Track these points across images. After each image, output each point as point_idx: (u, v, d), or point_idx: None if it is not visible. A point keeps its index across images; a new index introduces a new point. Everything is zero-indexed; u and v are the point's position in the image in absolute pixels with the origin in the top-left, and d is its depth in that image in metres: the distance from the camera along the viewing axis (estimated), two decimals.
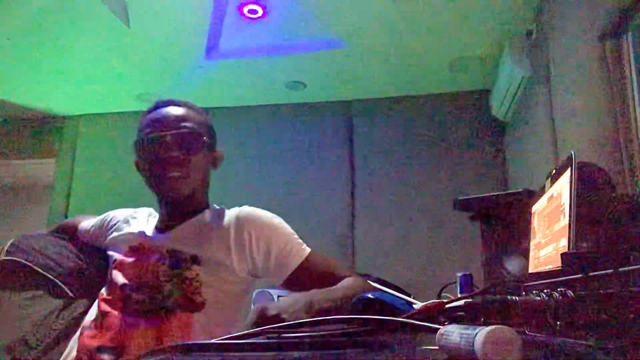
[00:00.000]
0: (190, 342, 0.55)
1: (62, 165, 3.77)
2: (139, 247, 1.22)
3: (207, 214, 1.25)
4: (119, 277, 1.17)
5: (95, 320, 1.15)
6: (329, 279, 1.15)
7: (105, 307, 1.14)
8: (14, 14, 2.61)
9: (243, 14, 2.74)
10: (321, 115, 3.63)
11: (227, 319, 1.16)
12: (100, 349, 1.07)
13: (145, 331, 1.08)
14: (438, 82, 3.33)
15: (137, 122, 1.28)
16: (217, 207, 1.29)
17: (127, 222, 1.33)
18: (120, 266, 1.20)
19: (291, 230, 1.22)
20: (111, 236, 1.32)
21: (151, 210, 1.38)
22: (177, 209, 1.24)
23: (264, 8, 2.68)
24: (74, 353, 1.12)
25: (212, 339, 0.59)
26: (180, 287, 1.12)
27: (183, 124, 1.21)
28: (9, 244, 1.25)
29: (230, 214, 1.23)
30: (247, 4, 2.64)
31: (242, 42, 2.98)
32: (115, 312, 1.12)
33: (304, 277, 1.16)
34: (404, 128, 3.50)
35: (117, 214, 1.38)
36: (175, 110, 1.24)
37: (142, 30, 2.72)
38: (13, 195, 4.49)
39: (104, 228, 1.36)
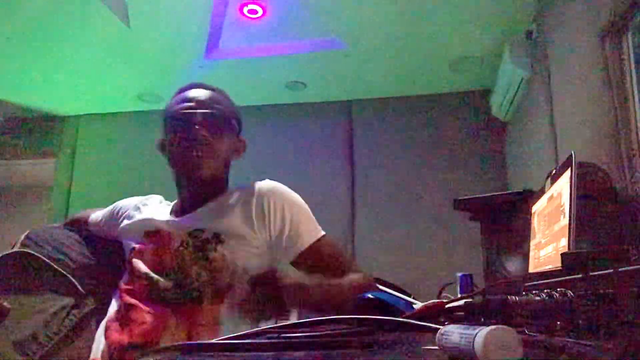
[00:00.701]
0: (190, 342, 0.55)
1: (62, 165, 3.77)
2: (157, 232, 1.19)
3: (227, 194, 1.24)
4: (140, 265, 1.14)
5: (119, 312, 1.11)
6: (337, 267, 1.16)
7: (129, 299, 1.11)
8: (14, 14, 2.61)
9: (243, 14, 2.74)
10: (321, 115, 3.63)
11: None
12: (130, 345, 1.04)
13: (176, 322, 1.05)
14: (438, 82, 3.33)
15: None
16: (235, 187, 1.27)
17: (137, 209, 1.31)
18: (140, 254, 1.17)
19: (309, 211, 1.22)
20: (123, 224, 1.29)
21: (161, 197, 1.37)
22: (198, 191, 1.22)
23: (264, 8, 2.68)
24: (102, 347, 1.08)
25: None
26: (207, 269, 1.10)
27: (214, 105, 1.22)
28: (24, 236, 1.23)
29: (252, 186, 1.22)
30: (247, 4, 2.64)
31: (242, 42, 2.98)
32: (141, 305, 1.09)
33: (313, 259, 1.15)
34: (404, 128, 3.50)
35: (126, 203, 1.35)
36: (207, 92, 1.25)
37: (142, 30, 2.72)
38: (13, 195, 4.49)
39: (115, 217, 1.34)
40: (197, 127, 1.16)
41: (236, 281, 1.10)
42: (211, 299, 1.08)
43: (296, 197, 1.23)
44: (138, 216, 1.28)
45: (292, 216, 1.17)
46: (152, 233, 1.19)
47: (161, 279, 1.10)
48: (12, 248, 1.20)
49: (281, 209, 1.17)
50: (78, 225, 1.39)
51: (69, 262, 1.24)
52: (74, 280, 1.21)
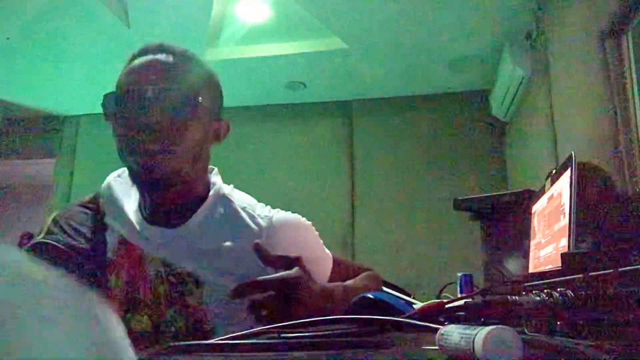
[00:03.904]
0: (190, 342, 0.54)
1: (62, 165, 3.78)
2: (132, 248, 0.95)
3: (214, 214, 0.95)
4: (116, 291, 0.93)
5: None
6: (347, 279, 1.02)
7: None
8: (14, 14, 2.61)
9: (243, 14, 2.74)
10: (321, 115, 3.63)
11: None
12: None
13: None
14: (438, 82, 3.33)
15: None
16: (226, 200, 0.98)
17: (125, 196, 1.02)
18: (117, 274, 0.95)
19: (320, 242, 1.02)
20: (107, 216, 1.01)
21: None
22: (162, 197, 0.93)
23: (263, 8, 2.69)
24: None
25: None
26: (182, 314, 0.91)
27: (173, 77, 0.89)
28: (51, 219, 1.01)
29: (256, 223, 0.95)
30: (247, 4, 2.65)
31: (242, 42, 2.98)
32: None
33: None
34: (403, 128, 3.50)
35: (114, 183, 1.05)
36: (165, 58, 0.91)
37: (142, 30, 2.72)
38: (13, 195, 4.49)
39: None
40: (145, 110, 0.85)
41: (218, 325, 0.92)
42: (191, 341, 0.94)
43: (309, 233, 1.01)
44: (112, 209, 1.01)
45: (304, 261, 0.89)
46: (126, 242, 0.96)
47: (134, 314, 0.92)
48: (40, 233, 1.04)
49: (295, 249, 0.90)
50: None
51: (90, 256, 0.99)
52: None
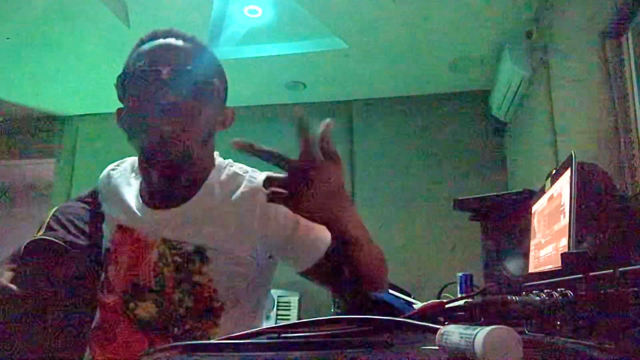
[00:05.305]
0: (190, 342, 0.54)
1: (62, 165, 3.78)
2: (130, 229, 0.94)
3: (214, 184, 0.95)
4: (116, 281, 0.94)
5: (102, 325, 0.96)
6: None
7: (109, 316, 0.94)
8: (14, 15, 2.61)
9: (243, 14, 2.74)
10: (321, 115, 3.61)
11: (248, 319, 0.96)
12: None
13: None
14: (438, 82, 3.33)
15: None
16: (227, 169, 0.98)
17: (124, 184, 1.01)
18: (116, 262, 0.94)
19: None
20: (105, 205, 1.00)
21: (134, 161, 1.05)
22: (170, 179, 0.93)
23: (264, 8, 2.68)
24: (86, 355, 0.97)
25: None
26: (190, 294, 0.90)
27: (187, 59, 0.90)
28: (51, 214, 1.00)
29: (252, 183, 0.94)
30: (247, 4, 2.64)
31: (242, 42, 2.98)
32: (122, 325, 0.92)
33: (326, 265, 0.93)
34: (403, 128, 3.50)
35: (113, 173, 1.04)
36: (178, 42, 0.93)
37: (142, 30, 2.70)
38: (13, 196, 4.49)
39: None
40: (162, 90, 0.85)
41: (228, 302, 0.91)
42: (201, 326, 0.91)
43: None
44: (110, 197, 1.01)
45: (302, 220, 0.89)
46: (124, 229, 0.94)
47: (139, 303, 0.91)
48: (39, 230, 0.97)
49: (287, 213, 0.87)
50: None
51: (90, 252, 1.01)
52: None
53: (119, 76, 0.94)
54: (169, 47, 0.91)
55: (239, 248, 0.91)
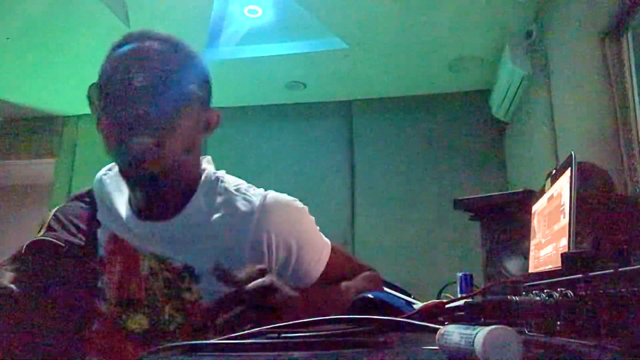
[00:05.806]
0: (189, 342, 0.54)
1: (62, 165, 3.78)
2: (122, 244, 0.92)
3: (203, 197, 0.90)
4: (110, 290, 0.91)
5: (97, 332, 0.94)
6: (345, 277, 1.00)
7: (103, 324, 0.92)
8: (14, 14, 2.61)
9: (243, 14, 2.74)
10: (321, 115, 3.63)
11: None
12: None
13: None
14: (438, 82, 3.33)
15: None
16: (218, 186, 0.93)
17: (116, 190, 0.97)
18: (110, 272, 0.92)
19: (316, 228, 0.98)
20: (99, 212, 0.97)
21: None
22: (152, 191, 0.88)
23: (264, 8, 2.69)
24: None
25: None
26: (180, 310, 0.87)
27: (162, 64, 0.84)
28: (52, 215, 0.98)
29: (246, 199, 0.90)
30: (247, 4, 2.65)
31: (242, 42, 2.98)
32: (116, 336, 0.91)
33: (323, 276, 0.95)
34: (403, 128, 3.50)
35: (104, 178, 0.99)
36: (152, 45, 0.86)
37: None
38: (13, 195, 4.49)
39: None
40: (134, 100, 0.80)
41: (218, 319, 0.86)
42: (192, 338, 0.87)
43: (304, 215, 0.96)
44: (103, 204, 0.97)
45: (297, 245, 0.90)
46: (116, 238, 0.93)
47: (131, 315, 0.89)
48: (40, 230, 0.96)
49: (286, 238, 0.89)
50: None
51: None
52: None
53: (90, 85, 0.87)
54: (141, 51, 0.85)
55: (227, 266, 0.85)
